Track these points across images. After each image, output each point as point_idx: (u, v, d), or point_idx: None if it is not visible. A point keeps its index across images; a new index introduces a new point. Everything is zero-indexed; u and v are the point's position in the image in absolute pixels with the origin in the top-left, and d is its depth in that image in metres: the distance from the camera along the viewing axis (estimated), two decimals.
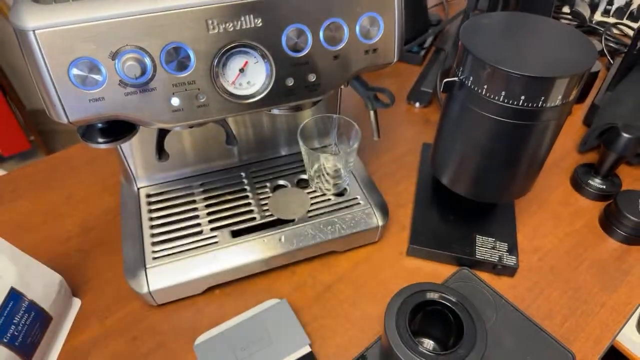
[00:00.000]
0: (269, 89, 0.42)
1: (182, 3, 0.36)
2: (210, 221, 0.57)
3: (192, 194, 0.60)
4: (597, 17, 1.10)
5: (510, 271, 0.57)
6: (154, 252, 0.53)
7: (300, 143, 0.57)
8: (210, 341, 0.49)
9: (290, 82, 0.43)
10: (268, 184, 0.62)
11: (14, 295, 0.46)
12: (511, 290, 0.56)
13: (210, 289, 0.55)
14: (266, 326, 0.50)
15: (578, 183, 0.69)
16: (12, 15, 0.34)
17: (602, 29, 1.02)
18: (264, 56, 0.41)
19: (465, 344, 0.40)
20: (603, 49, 0.98)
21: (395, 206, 0.66)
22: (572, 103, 0.47)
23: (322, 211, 0.58)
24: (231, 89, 0.42)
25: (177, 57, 0.38)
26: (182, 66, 0.39)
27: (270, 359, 0.47)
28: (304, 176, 0.63)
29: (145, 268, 0.51)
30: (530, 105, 0.45)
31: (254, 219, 0.57)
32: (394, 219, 0.64)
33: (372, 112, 0.55)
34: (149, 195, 0.60)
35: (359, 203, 0.59)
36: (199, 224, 0.56)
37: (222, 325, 0.51)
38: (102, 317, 0.53)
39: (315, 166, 0.59)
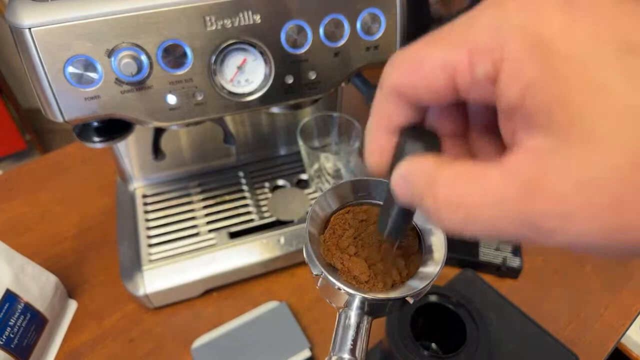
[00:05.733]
0: (267, 86, 0.42)
1: None
2: (208, 222, 0.56)
3: (189, 194, 0.59)
4: None
5: (514, 273, 0.56)
6: (150, 253, 0.52)
7: (300, 142, 0.56)
8: (208, 344, 0.48)
9: (289, 79, 0.42)
10: (267, 184, 0.61)
11: (10, 297, 0.45)
12: (515, 292, 0.56)
13: (208, 291, 0.54)
14: (265, 329, 0.49)
15: None
16: (7, 13, 0.34)
17: None
18: (262, 53, 0.40)
19: (468, 346, 0.39)
20: None
21: None
22: None
23: None
24: (229, 86, 0.41)
25: (174, 55, 0.37)
26: (179, 63, 0.38)
27: None
28: (304, 176, 0.63)
29: (142, 270, 0.51)
30: None
31: (252, 220, 0.56)
32: None
33: None
34: (145, 196, 0.59)
35: None
36: (196, 225, 0.56)
37: (220, 328, 0.50)
38: (99, 319, 0.52)
39: (315, 166, 0.58)
